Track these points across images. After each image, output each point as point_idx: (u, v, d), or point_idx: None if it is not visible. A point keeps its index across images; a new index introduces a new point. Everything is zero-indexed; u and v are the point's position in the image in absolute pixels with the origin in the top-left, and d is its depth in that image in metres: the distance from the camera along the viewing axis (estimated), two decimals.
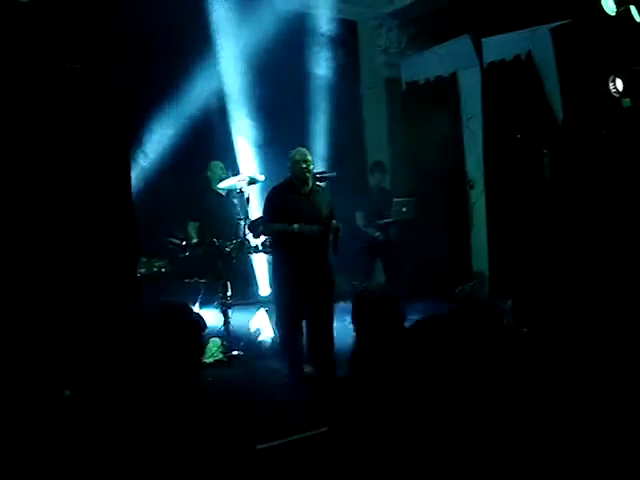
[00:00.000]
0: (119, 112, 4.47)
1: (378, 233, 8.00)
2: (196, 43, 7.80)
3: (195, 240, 6.84)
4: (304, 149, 6.14)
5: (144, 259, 6.48)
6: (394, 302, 3.16)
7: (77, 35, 4.27)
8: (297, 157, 6.00)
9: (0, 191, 4.38)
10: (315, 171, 6.71)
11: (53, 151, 4.26)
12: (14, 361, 3.10)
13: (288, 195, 5.99)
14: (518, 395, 2.39)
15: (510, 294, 6.30)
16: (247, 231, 6.69)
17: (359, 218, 8.03)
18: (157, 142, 7.48)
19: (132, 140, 4.95)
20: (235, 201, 6.89)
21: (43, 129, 4.23)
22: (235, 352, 6.51)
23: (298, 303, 5.90)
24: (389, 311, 3.11)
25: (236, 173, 7.01)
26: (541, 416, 2.40)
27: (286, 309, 5.96)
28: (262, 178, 6.90)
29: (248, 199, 6.75)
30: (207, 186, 7.26)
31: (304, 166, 5.94)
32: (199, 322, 2.81)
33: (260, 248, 6.81)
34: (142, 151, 7.38)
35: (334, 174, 7.35)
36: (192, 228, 7.03)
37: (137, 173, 7.01)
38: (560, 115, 7.66)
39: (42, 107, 4.16)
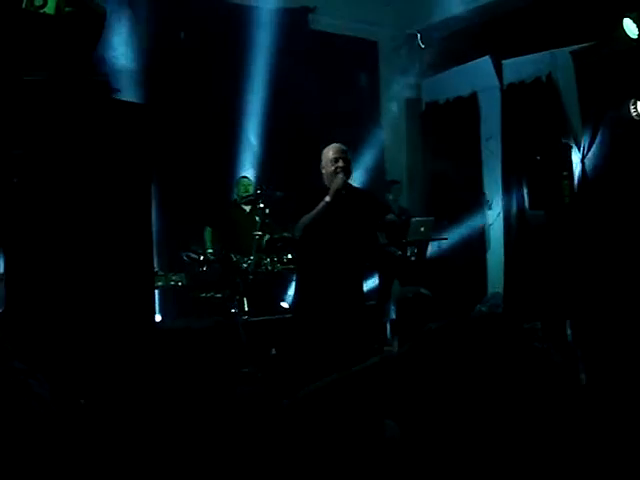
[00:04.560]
0: (140, 125, 4.51)
1: (399, 252, 7.97)
2: (222, 57, 7.89)
3: (209, 248, 6.92)
4: (338, 144, 5.03)
5: (161, 273, 6.55)
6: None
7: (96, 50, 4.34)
8: (330, 154, 4.96)
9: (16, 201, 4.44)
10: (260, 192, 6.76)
11: (70, 163, 4.30)
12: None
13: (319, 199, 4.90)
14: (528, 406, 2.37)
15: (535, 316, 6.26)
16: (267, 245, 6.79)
17: (379, 237, 8.01)
18: (178, 154, 7.52)
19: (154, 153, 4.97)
20: (257, 218, 6.94)
21: (61, 141, 4.28)
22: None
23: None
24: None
25: (260, 190, 7.03)
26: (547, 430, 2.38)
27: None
28: (280, 195, 6.95)
29: (269, 215, 6.83)
30: (232, 200, 7.38)
31: (339, 164, 4.88)
32: None
33: (278, 266, 6.86)
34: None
35: (281, 194, 6.96)
36: (208, 234, 7.15)
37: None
38: (580, 137, 7.65)
39: (62, 119, 4.21)
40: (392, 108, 9.78)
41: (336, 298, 4.89)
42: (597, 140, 7.46)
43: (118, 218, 4.39)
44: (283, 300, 7.20)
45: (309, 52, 8.31)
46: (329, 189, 4.91)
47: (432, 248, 8.60)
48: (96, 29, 4.21)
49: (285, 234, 6.95)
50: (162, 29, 7.39)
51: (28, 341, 3.80)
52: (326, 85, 8.62)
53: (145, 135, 4.54)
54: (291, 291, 7.01)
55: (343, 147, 5.05)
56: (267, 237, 6.91)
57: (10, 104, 4.11)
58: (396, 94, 9.85)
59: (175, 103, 7.39)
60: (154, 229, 6.42)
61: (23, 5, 4.07)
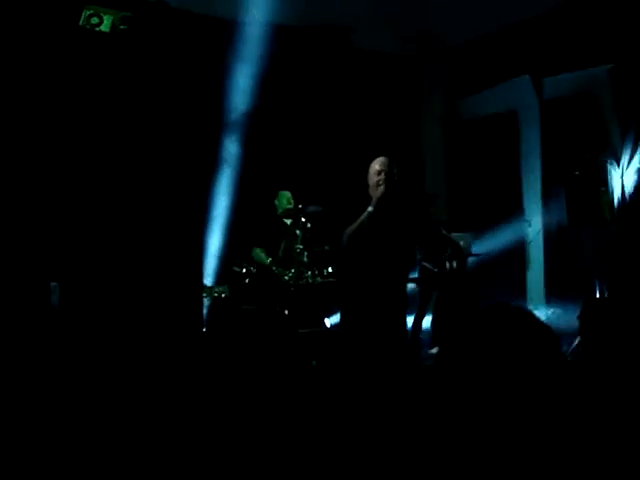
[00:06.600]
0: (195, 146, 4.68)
1: (436, 268, 8.00)
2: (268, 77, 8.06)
3: (270, 259, 7.06)
4: (384, 157, 5.04)
5: (206, 285, 6.69)
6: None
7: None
8: (376, 167, 5.00)
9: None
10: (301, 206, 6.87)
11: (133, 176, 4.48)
12: None
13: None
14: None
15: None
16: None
17: (418, 252, 8.06)
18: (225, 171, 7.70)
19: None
20: (297, 232, 7.06)
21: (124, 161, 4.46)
22: None
23: None
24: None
25: (301, 204, 7.16)
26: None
27: None
28: (320, 209, 7.07)
29: (310, 230, 6.95)
30: (273, 214, 7.50)
31: (381, 177, 4.92)
32: None
33: (319, 279, 6.95)
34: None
35: (319, 209, 7.09)
36: (260, 253, 7.25)
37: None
38: (619, 153, 7.67)
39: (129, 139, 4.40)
40: (431, 124, 9.90)
41: (381, 312, 4.95)
42: (637, 156, 7.47)
43: (173, 228, 4.55)
44: (326, 316, 7.27)
45: (351, 69, 8.49)
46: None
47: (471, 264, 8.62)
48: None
49: (326, 247, 7.06)
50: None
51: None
52: (367, 101, 8.77)
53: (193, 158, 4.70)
54: (332, 305, 7.09)
55: (387, 160, 5.12)
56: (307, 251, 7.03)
57: None
58: (435, 111, 9.96)
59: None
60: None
61: (80, 23, 4.29)
